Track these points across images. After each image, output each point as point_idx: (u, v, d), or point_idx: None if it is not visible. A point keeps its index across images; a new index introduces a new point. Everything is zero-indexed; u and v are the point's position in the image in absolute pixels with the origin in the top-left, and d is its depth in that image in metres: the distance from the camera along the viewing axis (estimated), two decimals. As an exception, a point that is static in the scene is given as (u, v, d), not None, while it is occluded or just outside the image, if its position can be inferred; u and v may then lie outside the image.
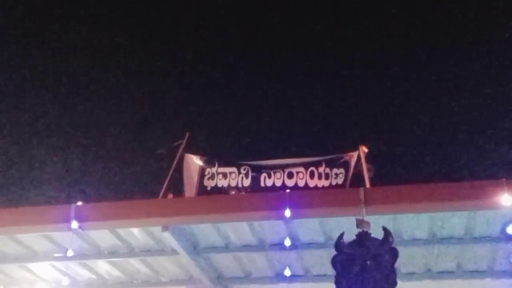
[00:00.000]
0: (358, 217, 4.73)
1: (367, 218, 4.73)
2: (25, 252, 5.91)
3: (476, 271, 5.93)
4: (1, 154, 10.08)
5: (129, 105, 10.60)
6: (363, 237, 4.73)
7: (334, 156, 6.40)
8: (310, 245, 5.68)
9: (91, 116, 10.49)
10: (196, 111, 10.60)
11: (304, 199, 5.29)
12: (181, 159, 6.75)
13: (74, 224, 5.18)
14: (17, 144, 10.27)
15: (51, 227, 5.47)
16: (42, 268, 6.28)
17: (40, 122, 10.58)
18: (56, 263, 6.02)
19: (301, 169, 6.36)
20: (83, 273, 6.45)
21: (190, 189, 6.55)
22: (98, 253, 5.92)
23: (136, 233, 5.59)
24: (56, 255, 5.87)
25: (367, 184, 5.84)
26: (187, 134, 6.73)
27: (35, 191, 9.48)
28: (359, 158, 6.21)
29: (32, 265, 6.24)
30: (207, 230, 5.59)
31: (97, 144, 10.17)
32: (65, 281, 5.75)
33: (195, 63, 11.33)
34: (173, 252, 5.72)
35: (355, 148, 6.34)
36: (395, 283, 4.62)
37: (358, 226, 4.71)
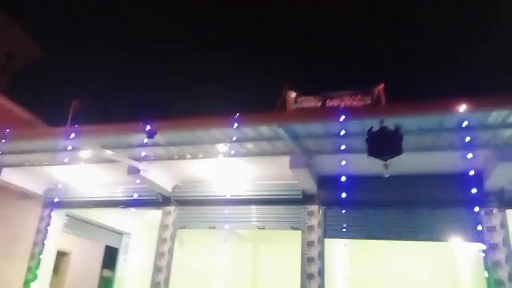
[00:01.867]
0: (381, 118, 7.27)
1: (385, 120, 7.18)
2: (211, 139, 9.05)
3: (442, 146, 8.25)
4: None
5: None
6: (383, 128, 7.12)
7: (365, 90, 9.47)
8: (355, 133, 7.92)
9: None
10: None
11: (351, 111, 8.11)
12: (285, 94, 10.03)
13: (235, 125, 8.32)
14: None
15: (224, 127, 8.54)
16: (219, 147, 9.29)
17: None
18: (227, 144, 9.12)
19: (348, 97, 9.55)
20: (238, 148, 9.22)
21: (289, 107, 9.94)
22: (246, 138, 8.82)
23: (264, 129, 8.48)
24: (227, 139, 8.88)
25: (383, 103, 9.03)
26: (287, 85, 10.02)
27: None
28: (379, 90, 9.30)
29: (215, 145, 9.22)
30: (300, 127, 8.19)
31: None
32: (230, 152, 9.23)
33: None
34: (284, 138, 8.38)
35: (378, 84, 9.44)
36: (401, 151, 7.01)
37: (380, 123, 7.15)
